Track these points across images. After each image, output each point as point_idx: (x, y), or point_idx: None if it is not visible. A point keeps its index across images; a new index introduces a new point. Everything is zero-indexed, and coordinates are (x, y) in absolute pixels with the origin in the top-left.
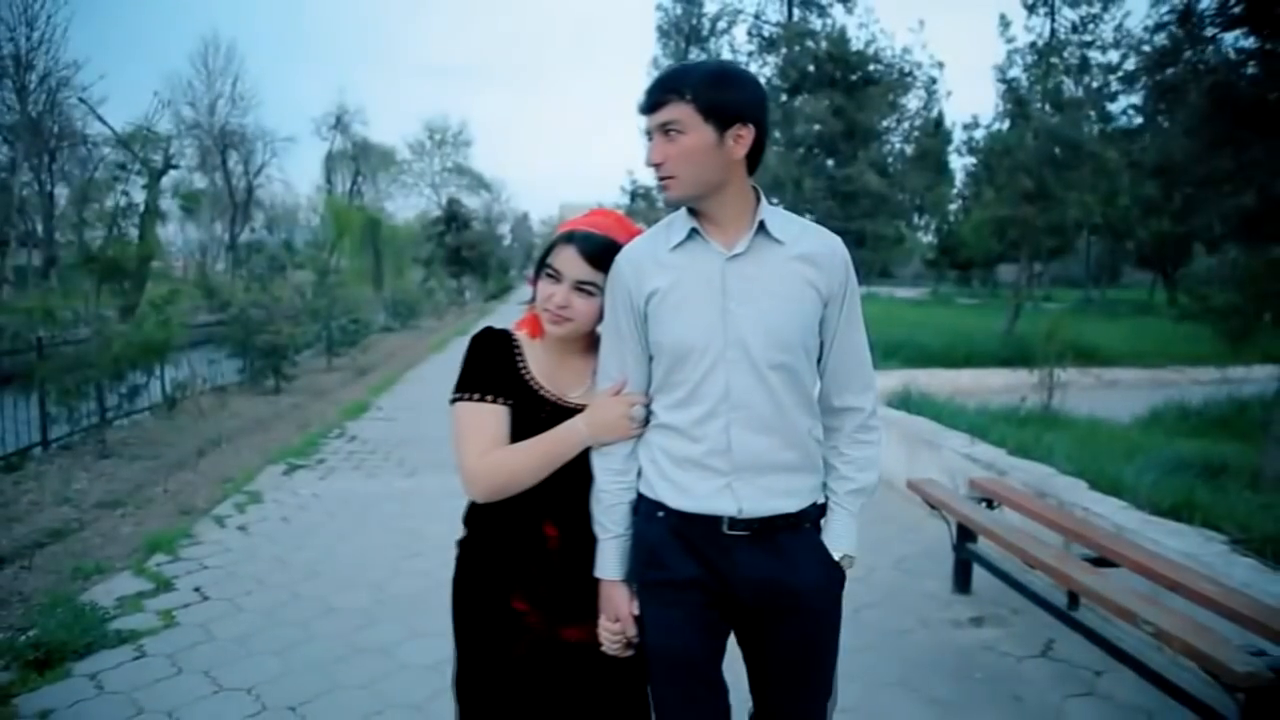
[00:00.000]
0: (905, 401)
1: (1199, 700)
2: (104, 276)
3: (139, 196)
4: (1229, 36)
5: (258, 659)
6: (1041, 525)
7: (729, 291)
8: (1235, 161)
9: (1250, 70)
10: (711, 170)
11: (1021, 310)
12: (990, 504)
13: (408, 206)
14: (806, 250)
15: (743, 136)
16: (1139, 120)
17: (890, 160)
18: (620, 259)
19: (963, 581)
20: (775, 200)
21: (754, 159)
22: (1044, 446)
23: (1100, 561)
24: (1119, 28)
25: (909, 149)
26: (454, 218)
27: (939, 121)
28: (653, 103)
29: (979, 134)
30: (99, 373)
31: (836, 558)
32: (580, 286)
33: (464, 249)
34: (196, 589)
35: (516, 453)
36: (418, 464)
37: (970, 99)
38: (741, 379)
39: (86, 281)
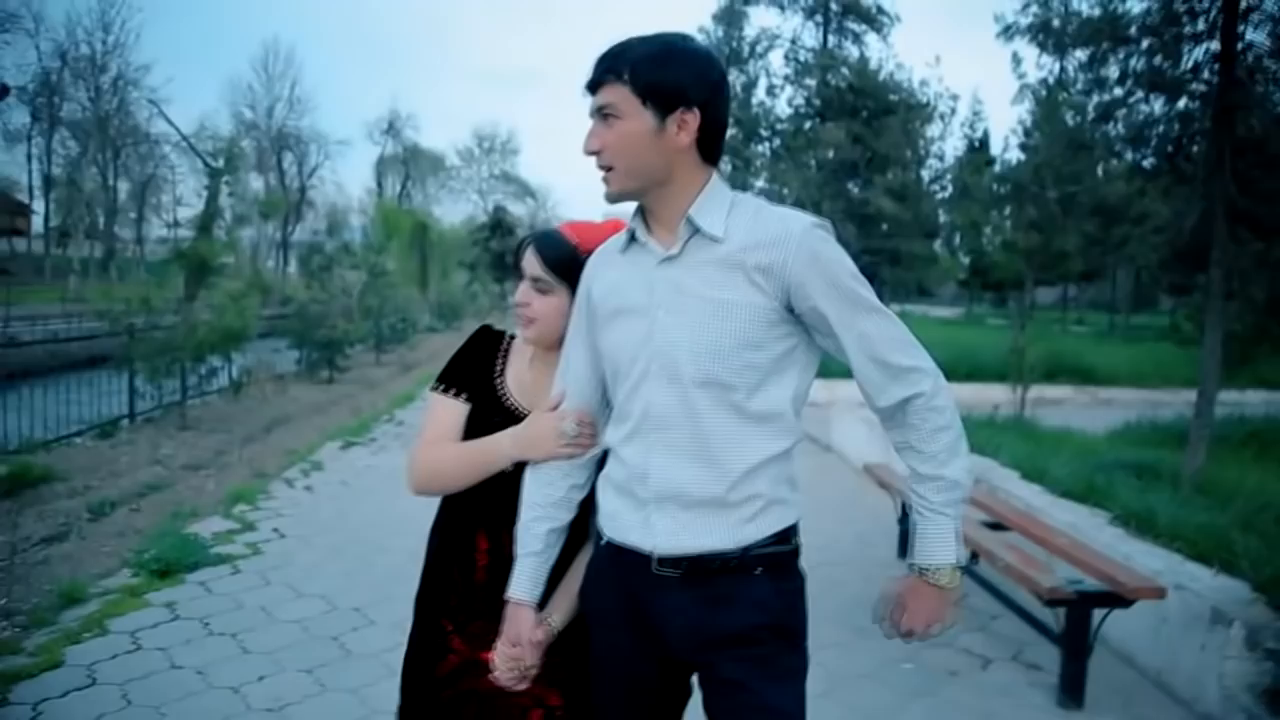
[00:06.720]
0: None
1: (1049, 628)
2: (190, 271)
3: (216, 197)
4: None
5: (328, 577)
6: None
7: (657, 299)
8: (1160, 204)
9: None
10: (651, 161)
11: (1027, 329)
12: None
13: (455, 211)
14: (751, 241)
15: (687, 122)
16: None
17: (905, 185)
18: (590, 258)
19: (905, 549)
20: (759, 190)
21: (709, 148)
22: (994, 446)
23: (996, 526)
24: (1124, 67)
25: (926, 175)
26: (499, 225)
27: (983, 144)
28: (591, 82)
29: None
30: (185, 355)
31: (928, 567)
32: (536, 284)
33: (507, 255)
34: (275, 529)
35: (446, 451)
36: None
37: (994, 129)
38: (662, 396)
39: (143, 273)
